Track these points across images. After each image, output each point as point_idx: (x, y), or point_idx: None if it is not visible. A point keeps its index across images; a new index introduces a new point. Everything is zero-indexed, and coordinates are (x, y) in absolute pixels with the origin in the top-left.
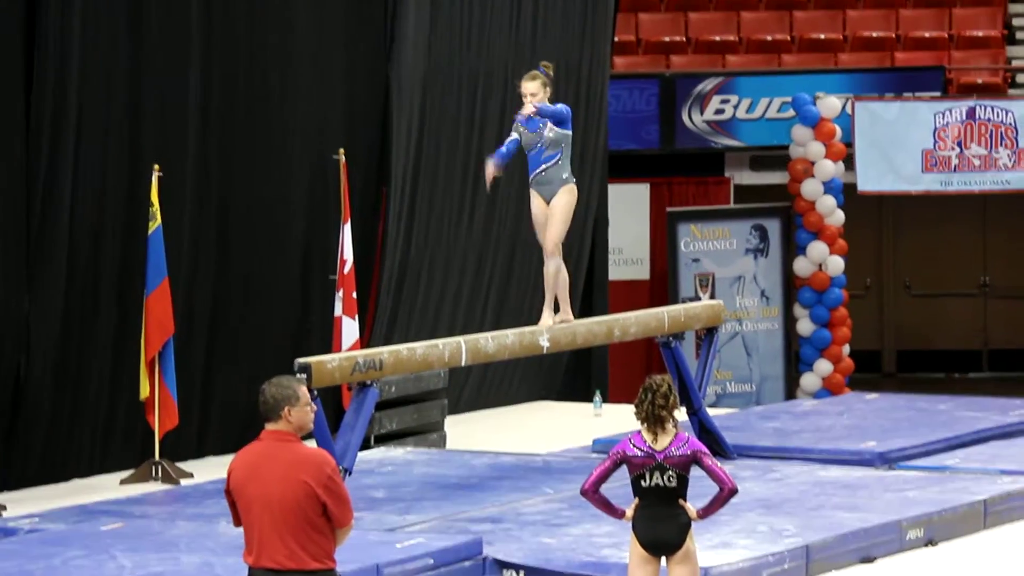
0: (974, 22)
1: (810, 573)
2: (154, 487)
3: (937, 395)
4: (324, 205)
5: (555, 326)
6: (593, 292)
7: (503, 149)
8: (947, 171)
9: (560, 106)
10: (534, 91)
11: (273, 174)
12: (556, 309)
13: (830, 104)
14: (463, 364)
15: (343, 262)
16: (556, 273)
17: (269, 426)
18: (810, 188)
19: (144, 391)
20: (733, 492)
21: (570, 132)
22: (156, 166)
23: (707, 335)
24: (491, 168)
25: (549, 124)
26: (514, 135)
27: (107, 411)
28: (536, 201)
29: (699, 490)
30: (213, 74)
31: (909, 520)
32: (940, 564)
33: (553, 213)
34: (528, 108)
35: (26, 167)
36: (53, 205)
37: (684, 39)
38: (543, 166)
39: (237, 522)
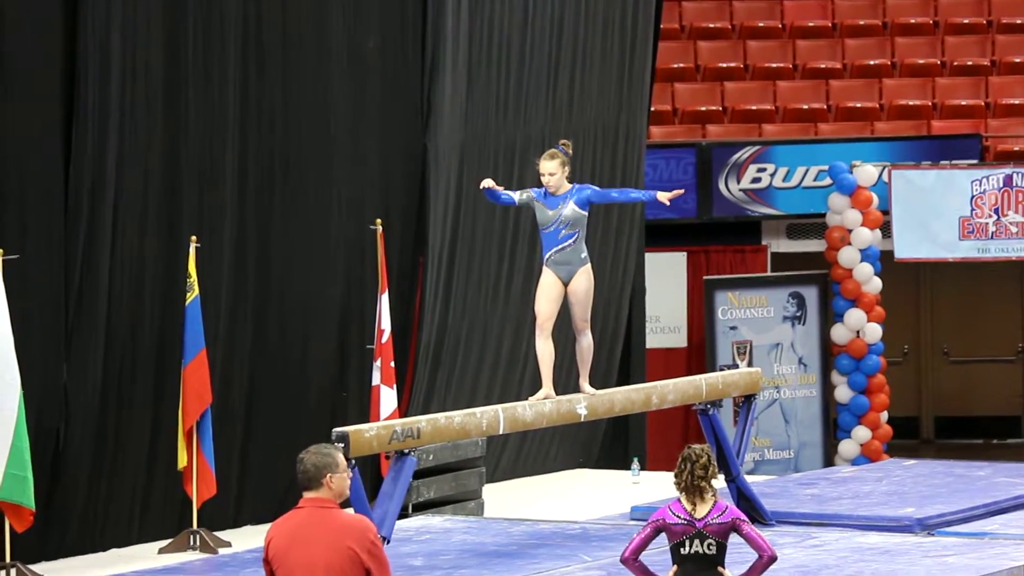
0: (1011, 90)
1: None
2: (192, 556)
3: (976, 461)
4: (361, 275)
5: (593, 395)
6: (631, 360)
7: (499, 193)
8: (984, 238)
9: (594, 190)
10: (552, 171)
11: (310, 244)
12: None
13: (867, 172)
14: (501, 432)
15: (381, 331)
16: (590, 346)
17: (308, 494)
18: (847, 256)
19: (182, 461)
20: (772, 559)
21: (587, 213)
22: (193, 237)
23: (745, 402)
24: (488, 183)
25: (571, 203)
26: (519, 196)
27: (145, 481)
28: (550, 277)
29: (737, 557)
30: (249, 144)
31: None
32: None
33: (579, 297)
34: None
35: (65, 238)
36: (91, 275)
37: (720, 108)
38: (561, 246)
39: None
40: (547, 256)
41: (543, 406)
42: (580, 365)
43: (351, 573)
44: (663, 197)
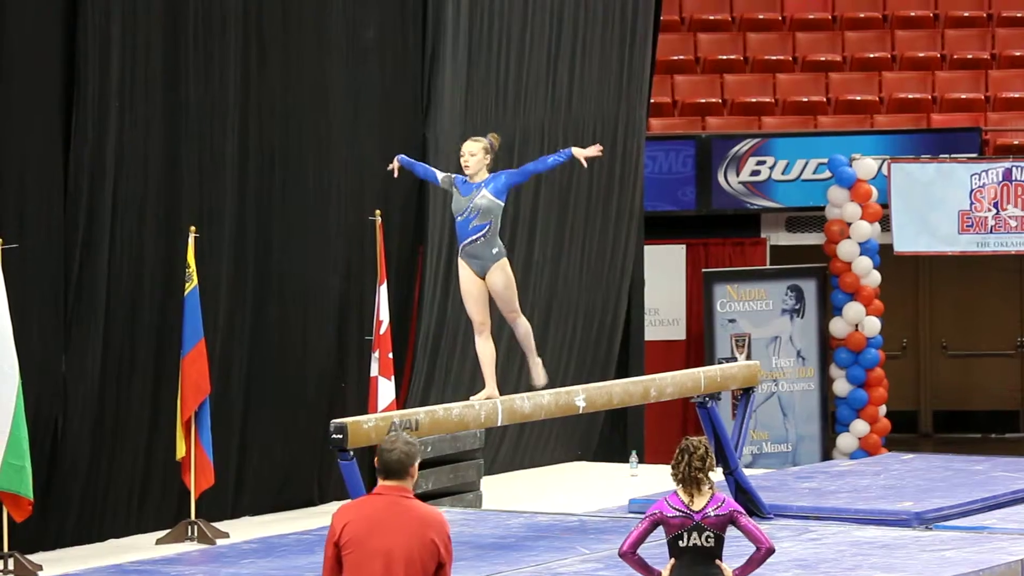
0: (1010, 84)
1: None
2: (190, 547)
3: (974, 455)
4: (360, 266)
5: (541, 372)
6: (629, 352)
7: (415, 164)
8: (983, 232)
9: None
10: (473, 151)
11: (309, 235)
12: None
13: (866, 165)
14: (499, 424)
15: (379, 323)
16: (527, 332)
17: (389, 482)
18: (846, 249)
19: (180, 451)
20: (770, 552)
21: (503, 203)
22: (193, 227)
23: (743, 395)
24: (397, 163)
25: (484, 191)
26: (442, 176)
27: (143, 471)
28: (465, 272)
29: (735, 550)
30: (249, 134)
31: None
32: None
33: (499, 293)
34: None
35: (64, 228)
36: (90, 266)
37: (720, 101)
38: (471, 238)
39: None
40: (461, 247)
41: (541, 398)
42: (525, 350)
43: (428, 564)
44: (579, 154)
